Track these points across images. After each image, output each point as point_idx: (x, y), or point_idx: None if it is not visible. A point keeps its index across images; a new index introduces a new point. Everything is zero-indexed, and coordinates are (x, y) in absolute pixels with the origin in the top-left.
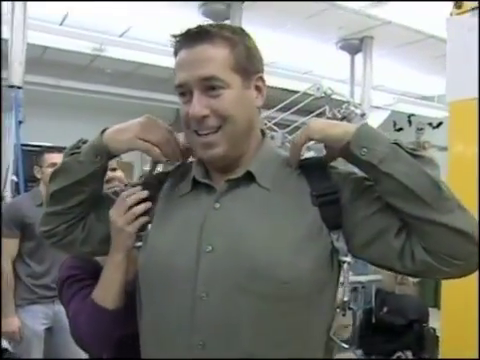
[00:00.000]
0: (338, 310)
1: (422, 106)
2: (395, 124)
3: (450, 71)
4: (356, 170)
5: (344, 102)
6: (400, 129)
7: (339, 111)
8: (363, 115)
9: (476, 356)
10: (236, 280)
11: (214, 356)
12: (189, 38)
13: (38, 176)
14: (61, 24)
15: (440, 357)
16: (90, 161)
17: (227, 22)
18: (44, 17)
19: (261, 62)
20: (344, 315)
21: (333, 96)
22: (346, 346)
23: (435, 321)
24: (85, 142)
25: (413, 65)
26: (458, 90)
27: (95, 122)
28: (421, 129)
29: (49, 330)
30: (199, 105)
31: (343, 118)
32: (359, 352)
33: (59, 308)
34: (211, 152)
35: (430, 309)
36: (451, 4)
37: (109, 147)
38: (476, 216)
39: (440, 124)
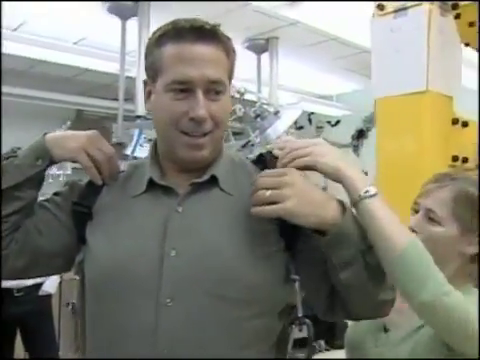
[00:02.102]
0: (293, 326)
1: (322, 105)
2: (296, 122)
3: (375, 69)
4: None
5: (254, 101)
6: (301, 127)
7: (254, 111)
8: (276, 113)
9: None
10: (202, 285)
11: None
12: (195, 33)
13: None
14: None
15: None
16: (29, 164)
17: (135, 20)
18: None
19: None
20: (300, 330)
21: (246, 95)
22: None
23: None
24: (19, 149)
25: (314, 65)
26: (384, 88)
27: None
28: (321, 127)
29: None
30: (204, 107)
31: (257, 116)
32: None
33: None
34: (198, 154)
35: None
36: (354, 6)
37: (52, 152)
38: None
39: (338, 122)
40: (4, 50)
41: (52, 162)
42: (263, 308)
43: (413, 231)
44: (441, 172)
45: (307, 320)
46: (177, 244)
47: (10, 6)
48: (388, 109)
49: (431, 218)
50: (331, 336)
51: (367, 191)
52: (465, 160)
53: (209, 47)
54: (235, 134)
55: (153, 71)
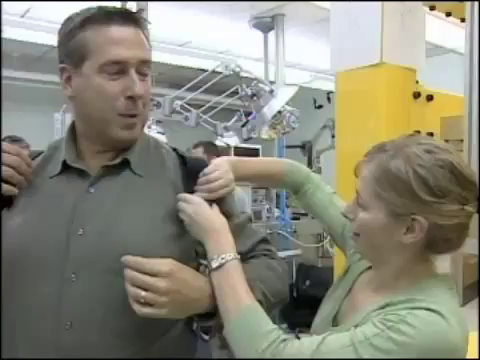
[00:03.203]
0: None
1: None
2: (315, 102)
3: (334, 42)
4: None
5: (252, 79)
6: (320, 106)
7: (251, 88)
8: (271, 92)
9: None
10: (105, 262)
11: (82, 336)
12: (123, 16)
13: None
14: None
15: None
16: None
17: (133, 3)
18: None
19: None
20: None
21: (242, 74)
22: (206, 337)
23: None
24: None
25: (327, 42)
26: (341, 61)
27: (10, 109)
28: None
29: None
30: (139, 85)
31: (253, 95)
32: (284, 326)
33: None
34: (132, 133)
35: None
36: None
37: None
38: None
39: None
40: (17, 37)
41: None
42: None
43: (346, 217)
44: (383, 141)
45: None
46: (85, 223)
47: None
48: (345, 83)
49: (359, 202)
50: None
51: (211, 265)
52: (430, 136)
53: (136, 30)
54: (247, 114)
55: (78, 55)
